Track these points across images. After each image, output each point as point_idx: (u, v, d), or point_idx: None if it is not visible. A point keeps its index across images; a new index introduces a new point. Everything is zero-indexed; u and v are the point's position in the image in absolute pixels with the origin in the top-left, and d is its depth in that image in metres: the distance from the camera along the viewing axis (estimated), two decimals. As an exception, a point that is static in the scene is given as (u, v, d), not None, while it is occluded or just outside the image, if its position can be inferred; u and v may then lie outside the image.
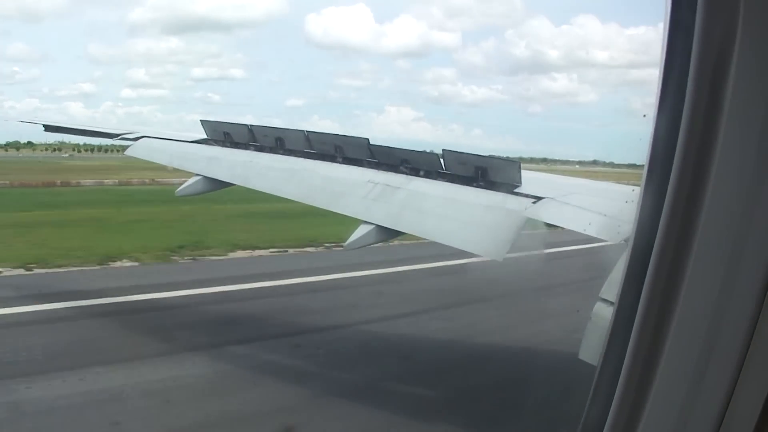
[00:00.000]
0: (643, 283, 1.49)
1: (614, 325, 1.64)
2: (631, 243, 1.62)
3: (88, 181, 35.58)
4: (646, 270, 1.48)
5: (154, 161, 10.51)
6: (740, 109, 1.32)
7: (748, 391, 1.38)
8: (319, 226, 17.98)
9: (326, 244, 17.56)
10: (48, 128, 12.39)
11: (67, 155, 63.48)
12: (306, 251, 17.32)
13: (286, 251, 17.05)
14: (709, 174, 1.36)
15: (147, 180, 35.66)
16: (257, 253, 16.57)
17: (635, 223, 1.61)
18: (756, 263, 1.34)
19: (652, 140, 1.53)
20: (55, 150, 66.74)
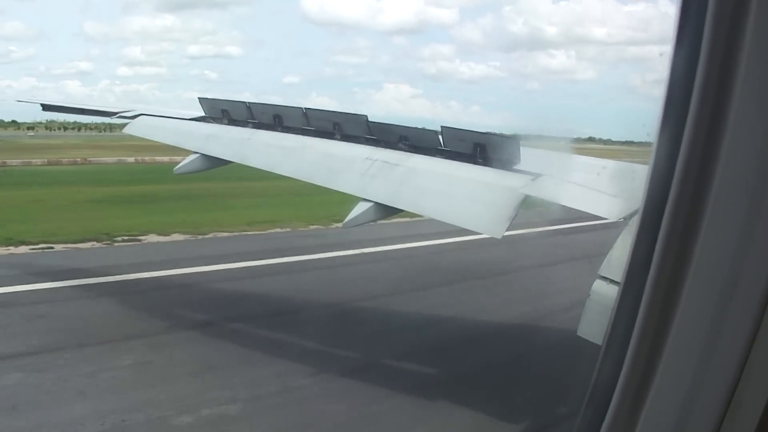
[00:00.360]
0: (649, 264, 1.47)
1: (619, 306, 1.63)
2: (638, 222, 1.60)
3: (14, 161, 35.65)
4: (653, 251, 1.46)
5: (152, 139, 10.46)
6: (752, 90, 1.30)
7: (756, 372, 1.37)
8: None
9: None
10: (45, 107, 12.31)
11: (32, 133, 63.35)
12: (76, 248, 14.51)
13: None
14: (719, 154, 1.34)
15: (78, 159, 35.69)
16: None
17: (642, 203, 1.58)
18: (765, 246, 1.32)
19: (661, 119, 1.50)
20: (46, 129, 66.53)
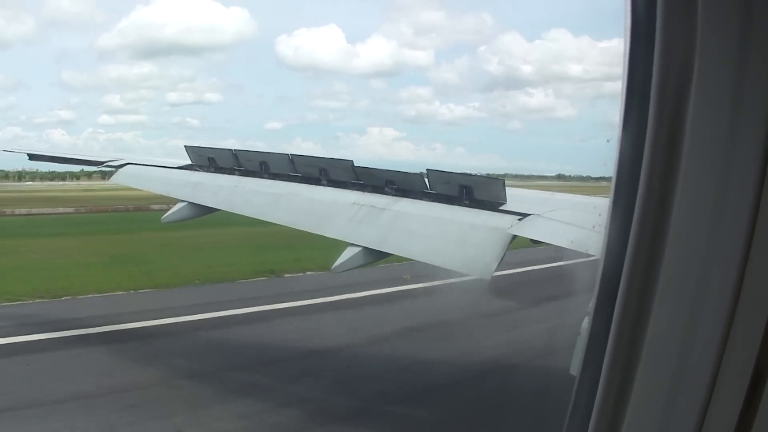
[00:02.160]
0: (616, 294, 1.49)
1: (590, 337, 1.64)
2: (602, 256, 1.62)
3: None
4: (619, 280, 1.48)
5: (140, 188, 10.46)
6: (704, 119, 1.33)
7: (724, 400, 1.38)
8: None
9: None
10: (32, 157, 12.31)
11: (30, 183, 63.15)
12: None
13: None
14: (676, 185, 1.37)
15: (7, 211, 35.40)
16: None
17: (605, 236, 1.60)
18: (727, 271, 1.35)
19: (618, 154, 1.53)
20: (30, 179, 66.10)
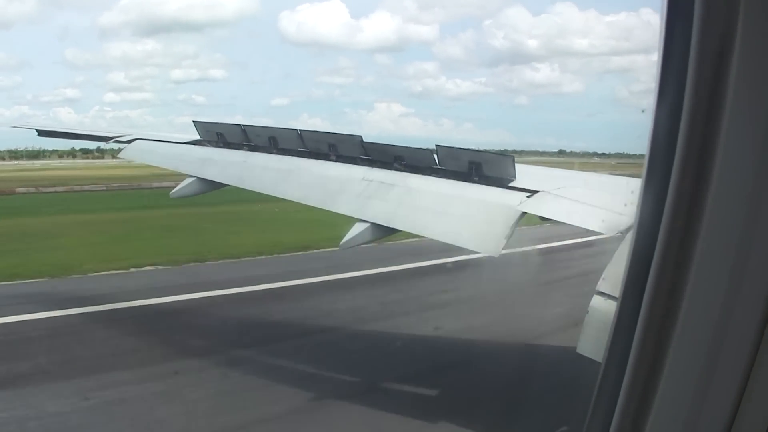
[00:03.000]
0: (647, 279, 1.44)
1: (618, 322, 1.60)
2: (633, 237, 1.58)
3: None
4: (650, 265, 1.43)
5: (148, 163, 10.47)
6: (743, 99, 1.28)
7: (759, 390, 1.34)
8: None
9: None
10: (41, 133, 12.34)
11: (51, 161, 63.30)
12: None
13: None
14: (713, 165, 1.32)
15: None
16: None
17: (637, 217, 1.56)
18: (764, 255, 1.30)
19: (652, 131, 1.49)
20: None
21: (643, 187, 1.53)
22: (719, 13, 1.28)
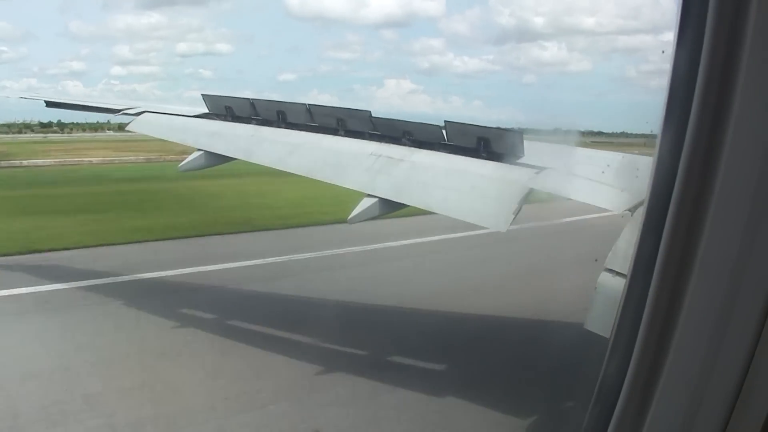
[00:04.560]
0: (656, 256, 1.46)
1: (626, 299, 1.62)
2: (644, 214, 1.60)
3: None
4: (659, 242, 1.45)
5: (156, 136, 10.47)
6: (757, 72, 1.29)
7: (765, 365, 1.36)
8: None
9: None
10: (49, 104, 12.34)
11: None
12: None
13: None
14: (724, 141, 1.33)
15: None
16: None
17: (647, 196, 1.57)
18: None
19: (665, 108, 1.50)
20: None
21: (654, 167, 1.54)
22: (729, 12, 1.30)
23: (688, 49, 1.40)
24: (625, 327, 1.61)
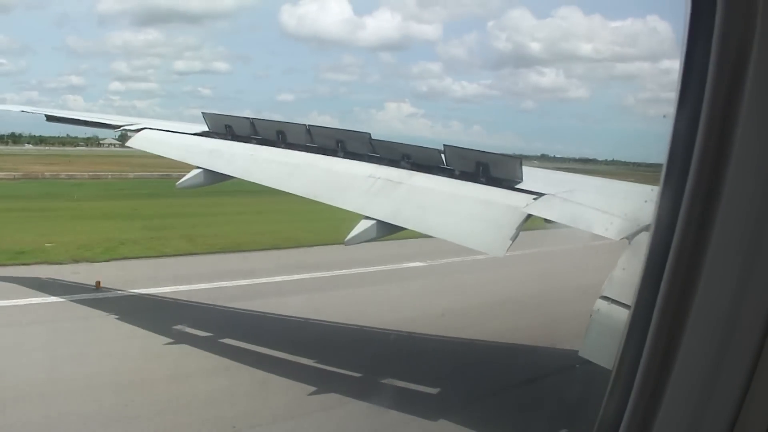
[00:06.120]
0: (659, 285, 1.49)
1: (630, 326, 1.64)
2: (649, 245, 1.62)
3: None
4: (663, 272, 1.47)
5: (156, 153, 10.47)
6: (758, 111, 1.32)
7: (761, 395, 1.38)
8: None
9: None
10: (50, 118, 12.35)
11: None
12: None
13: None
14: (726, 175, 1.36)
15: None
16: None
17: (652, 225, 1.61)
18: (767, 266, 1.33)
19: (671, 140, 1.53)
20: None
21: (660, 194, 1.58)
22: (737, 26, 1.32)
23: (694, 78, 1.43)
24: (628, 352, 1.62)
